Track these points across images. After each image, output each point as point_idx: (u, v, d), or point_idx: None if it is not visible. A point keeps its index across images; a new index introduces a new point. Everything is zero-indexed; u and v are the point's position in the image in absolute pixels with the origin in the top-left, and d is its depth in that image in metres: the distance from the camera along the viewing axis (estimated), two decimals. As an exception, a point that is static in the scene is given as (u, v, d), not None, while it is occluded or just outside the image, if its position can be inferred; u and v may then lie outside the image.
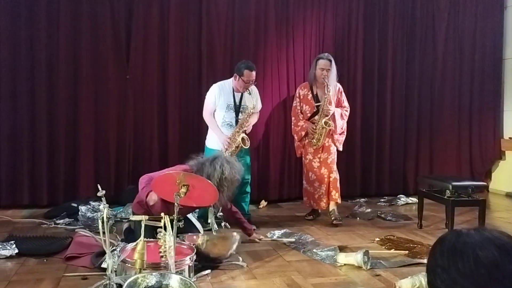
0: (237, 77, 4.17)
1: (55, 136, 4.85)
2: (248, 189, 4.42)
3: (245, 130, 4.23)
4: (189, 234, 3.25)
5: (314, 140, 4.46)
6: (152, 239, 2.80)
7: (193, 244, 2.97)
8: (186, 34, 5.17)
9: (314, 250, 3.47)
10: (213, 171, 3.14)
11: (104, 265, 2.80)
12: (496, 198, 5.99)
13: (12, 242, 3.33)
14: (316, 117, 4.47)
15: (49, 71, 4.80)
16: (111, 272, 2.44)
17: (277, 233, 3.98)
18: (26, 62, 4.73)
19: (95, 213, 4.14)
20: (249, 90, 4.22)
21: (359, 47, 5.73)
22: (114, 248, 2.96)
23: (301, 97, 4.61)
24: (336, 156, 4.58)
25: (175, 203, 2.62)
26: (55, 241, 3.52)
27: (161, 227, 2.60)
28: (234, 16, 5.28)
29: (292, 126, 4.68)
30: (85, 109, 4.90)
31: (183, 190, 2.72)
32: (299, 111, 4.61)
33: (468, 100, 6.21)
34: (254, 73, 4.16)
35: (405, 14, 5.91)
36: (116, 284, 2.45)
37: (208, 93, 4.33)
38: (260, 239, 3.73)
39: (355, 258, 3.17)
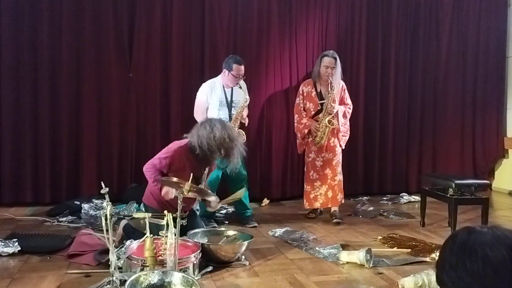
0: (227, 72, 4.21)
1: (58, 134, 4.86)
2: (246, 184, 4.40)
3: (244, 124, 4.25)
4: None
5: (317, 139, 4.43)
6: (157, 236, 2.79)
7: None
8: (189, 33, 5.17)
9: (317, 248, 3.47)
10: (204, 130, 3.24)
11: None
12: (499, 196, 5.97)
13: (15, 239, 3.34)
14: (320, 115, 4.43)
15: (52, 70, 4.80)
16: (114, 269, 2.44)
17: (279, 231, 3.98)
18: (29, 60, 4.74)
19: (98, 211, 4.14)
20: (239, 85, 4.24)
21: (362, 45, 5.72)
22: (121, 245, 2.96)
23: (305, 94, 4.57)
24: (341, 157, 4.55)
25: (178, 201, 2.62)
26: (58, 239, 3.53)
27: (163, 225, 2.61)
28: (237, 14, 5.28)
29: (295, 124, 4.63)
30: (88, 107, 4.91)
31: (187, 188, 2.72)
32: (302, 108, 4.57)
33: (471, 98, 6.20)
34: (243, 67, 4.20)
35: (408, 12, 5.90)
36: (119, 281, 2.46)
37: (198, 93, 4.34)
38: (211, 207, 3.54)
39: (358, 256, 3.17)
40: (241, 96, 4.28)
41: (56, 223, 4.14)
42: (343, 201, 4.56)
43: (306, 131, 4.51)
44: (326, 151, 4.48)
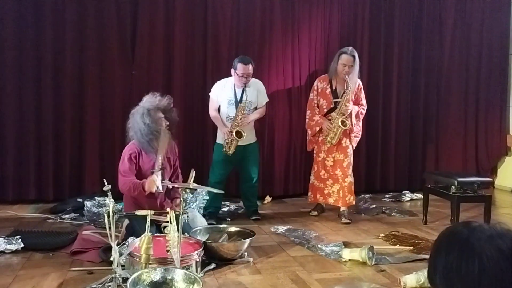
0: (233, 71, 4.21)
1: (61, 131, 4.86)
2: (256, 183, 4.46)
3: (240, 124, 4.10)
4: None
5: (329, 138, 4.32)
6: (160, 234, 2.80)
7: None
8: (192, 30, 5.16)
9: (319, 246, 3.47)
10: (135, 118, 3.32)
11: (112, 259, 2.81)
12: (502, 194, 5.96)
13: (18, 236, 3.36)
14: (333, 114, 4.31)
15: (55, 68, 4.80)
16: (117, 266, 2.45)
17: (281, 228, 3.99)
18: (33, 59, 4.74)
19: (101, 208, 4.17)
20: (247, 85, 4.18)
21: (365, 43, 5.70)
22: (124, 242, 2.97)
23: (319, 90, 4.44)
24: (352, 158, 4.46)
25: (180, 199, 2.62)
26: (61, 236, 3.55)
27: (165, 222, 2.61)
28: (240, 12, 5.26)
29: (307, 120, 4.51)
30: (91, 105, 4.92)
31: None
32: (315, 104, 4.44)
33: (474, 96, 6.17)
34: (249, 66, 4.14)
35: (411, 10, 5.87)
36: (122, 278, 2.46)
37: (211, 91, 4.40)
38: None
39: (360, 253, 3.17)
40: (254, 97, 4.26)
41: (59, 220, 4.16)
42: (354, 202, 4.51)
43: (317, 128, 4.40)
44: (337, 151, 4.40)
